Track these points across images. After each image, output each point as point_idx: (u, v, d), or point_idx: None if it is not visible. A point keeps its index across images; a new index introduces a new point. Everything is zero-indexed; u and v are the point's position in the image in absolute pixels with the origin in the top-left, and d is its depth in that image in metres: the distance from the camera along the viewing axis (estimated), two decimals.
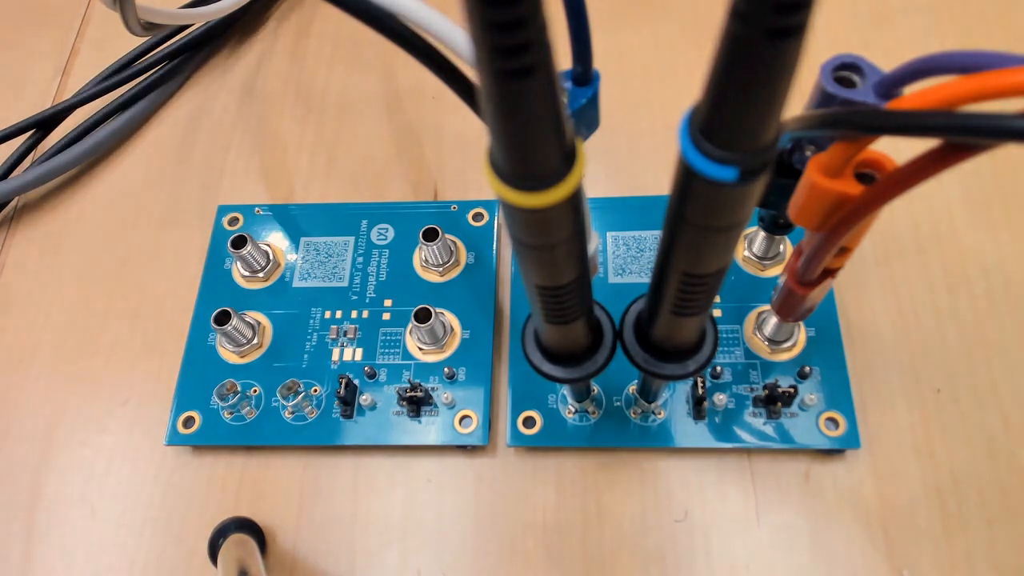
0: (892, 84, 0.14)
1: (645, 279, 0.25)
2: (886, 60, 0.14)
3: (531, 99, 0.09)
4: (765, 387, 0.22)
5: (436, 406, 0.24)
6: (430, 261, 0.26)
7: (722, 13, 0.08)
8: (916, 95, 0.11)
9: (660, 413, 0.23)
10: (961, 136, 0.10)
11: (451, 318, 0.25)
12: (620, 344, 0.17)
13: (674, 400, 0.23)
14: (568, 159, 0.10)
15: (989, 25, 0.29)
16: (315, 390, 0.24)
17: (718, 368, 0.23)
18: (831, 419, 0.22)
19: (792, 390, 0.22)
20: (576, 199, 0.11)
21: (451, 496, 0.23)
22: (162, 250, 0.29)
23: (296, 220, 0.28)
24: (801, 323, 0.23)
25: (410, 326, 0.25)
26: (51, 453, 0.25)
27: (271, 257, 0.27)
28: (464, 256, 0.26)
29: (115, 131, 0.31)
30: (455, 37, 0.16)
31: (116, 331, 0.27)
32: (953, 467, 0.22)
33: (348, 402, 0.24)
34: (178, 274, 0.28)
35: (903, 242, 0.25)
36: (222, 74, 0.33)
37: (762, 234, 0.24)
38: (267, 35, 0.34)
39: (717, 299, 0.24)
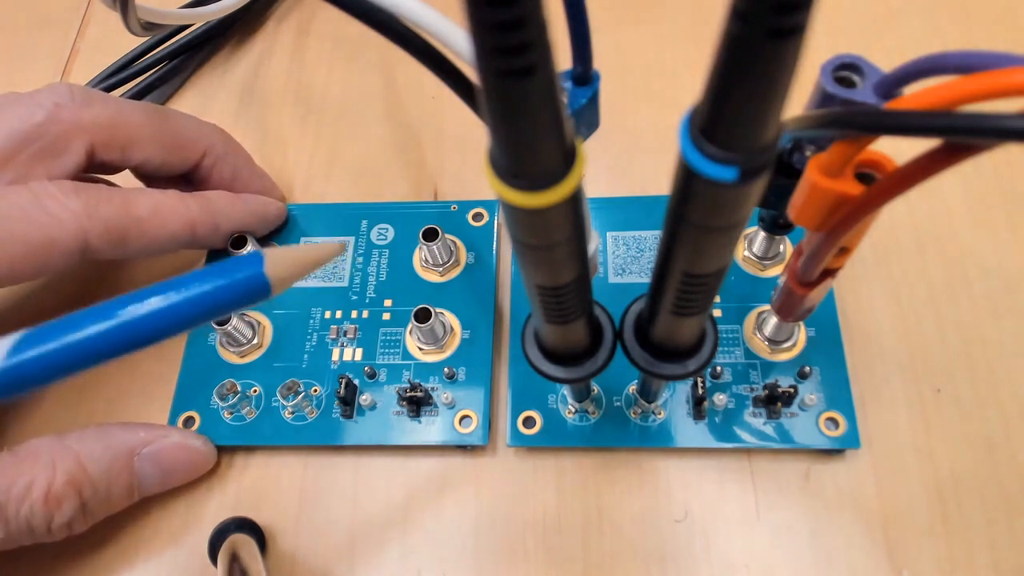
0: (892, 84, 0.14)
1: (645, 279, 0.25)
2: (886, 60, 0.14)
3: (531, 99, 0.09)
4: (765, 387, 0.22)
5: (436, 406, 0.24)
6: (430, 261, 0.26)
7: (722, 13, 0.08)
8: (916, 95, 0.11)
9: (660, 413, 0.23)
10: (961, 136, 0.10)
11: (451, 318, 0.25)
12: (620, 344, 0.17)
13: (674, 400, 0.23)
14: (568, 159, 0.10)
15: (989, 25, 0.29)
16: (315, 390, 0.24)
17: (718, 368, 0.23)
18: (831, 419, 0.22)
19: (792, 390, 0.22)
20: (576, 199, 0.11)
21: (451, 496, 0.23)
22: None
23: (296, 220, 0.28)
24: (801, 323, 0.23)
25: (410, 326, 0.25)
26: None
27: None
28: (464, 256, 0.26)
29: None
30: (455, 37, 0.16)
31: None
32: (953, 467, 0.22)
33: (348, 402, 0.24)
34: (178, 274, 0.28)
35: (903, 242, 0.25)
36: (222, 74, 0.33)
37: (762, 234, 0.24)
38: (267, 35, 0.34)
39: (717, 299, 0.24)
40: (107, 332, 0.13)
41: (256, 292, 0.14)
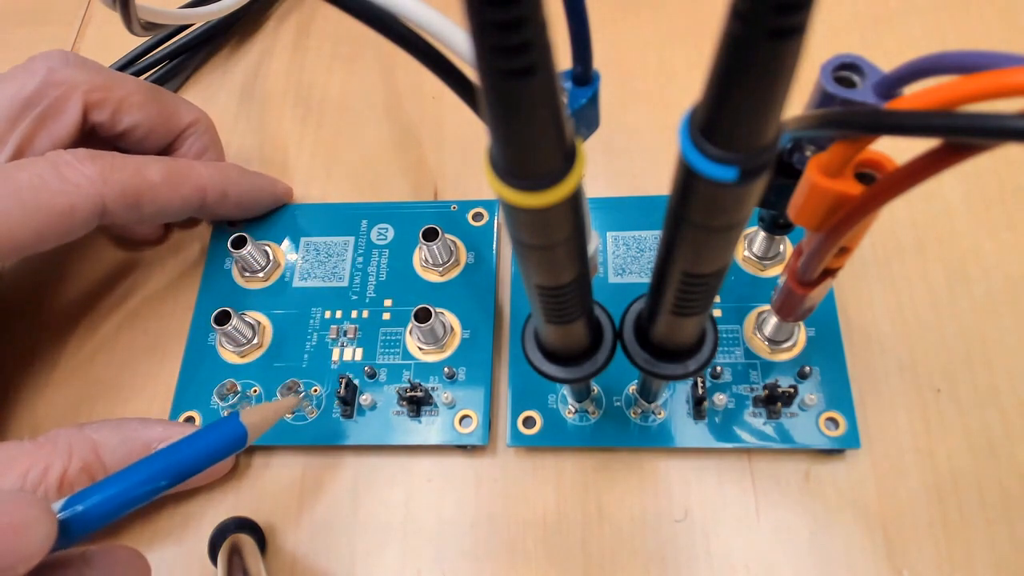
0: (892, 84, 0.14)
1: (645, 279, 0.25)
2: (886, 60, 0.14)
3: (531, 99, 0.09)
4: (765, 387, 0.22)
5: (436, 406, 0.24)
6: (430, 261, 0.26)
7: (722, 13, 0.08)
8: (916, 95, 0.11)
9: (660, 413, 0.23)
10: (961, 136, 0.10)
11: (451, 318, 0.25)
12: (620, 344, 0.17)
13: (674, 400, 0.23)
14: (568, 159, 0.10)
15: (989, 25, 0.29)
16: (315, 390, 0.24)
17: (718, 368, 0.23)
18: (831, 419, 0.22)
19: (792, 390, 0.22)
20: (576, 199, 0.11)
21: (451, 496, 0.23)
22: (162, 250, 0.29)
23: (296, 220, 0.28)
24: (801, 323, 0.23)
25: (410, 326, 0.25)
26: None
27: (271, 257, 0.27)
28: (464, 256, 0.26)
29: None
30: (455, 37, 0.16)
31: (116, 331, 0.27)
32: (953, 467, 0.22)
33: (348, 402, 0.24)
34: (178, 274, 0.28)
35: (903, 242, 0.25)
36: (222, 74, 0.33)
37: (762, 234, 0.24)
38: (267, 35, 0.34)
39: (717, 299, 0.24)
40: (133, 488, 0.18)
41: (237, 440, 0.19)
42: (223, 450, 0.19)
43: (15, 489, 0.20)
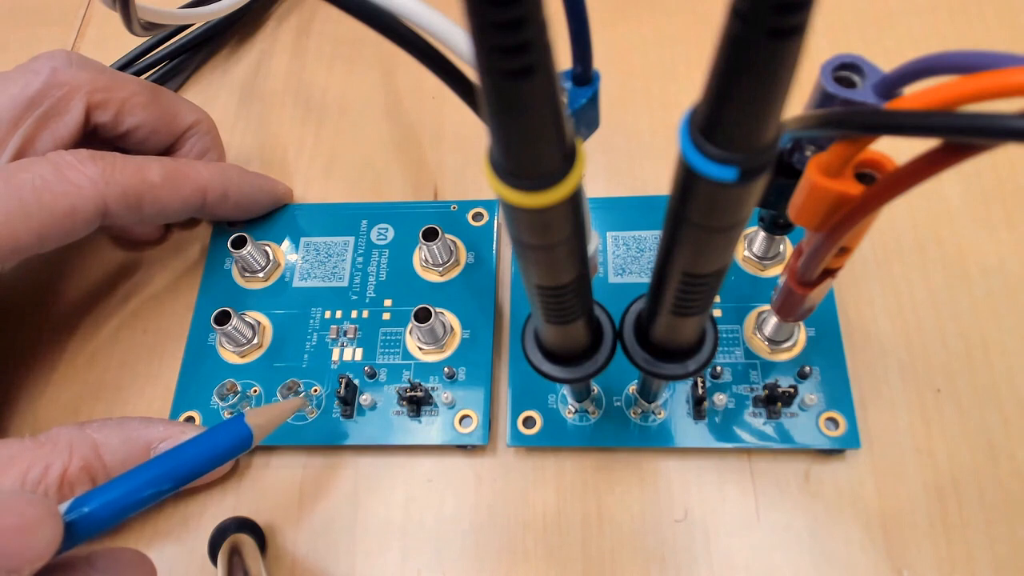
0: (892, 84, 0.14)
1: (645, 279, 0.25)
2: (886, 60, 0.14)
3: (531, 99, 0.09)
4: (765, 387, 0.22)
5: (436, 406, 0.24)
6: (430, 261, 0.26)
7: (722, 12, 0.08)
8: (916, 95, 0.11)
9: (660, 413, 0.23)
10: (961, 136, 0.10)
11: (451, 318, 0.25)
12: (620, 344, 0.17)
13: (674, 400, 0.23)
14: (568, 159, 0.10)
15: (989, 25, 0.29)
16: (315, 390, 0.24)
17: (718, 368, 0.23)
18: (831, 419, 0.22)
19: (792, 390, 0.22)
20: (576, 199, 0.11)
21: (451, 496, 0.23)
22: (162, 250, 0.29)
23: (296, 220, 0.28)
24: (801, 323, 0.23)
25: (410, 326, 0.25)
26: None
27: (271, 257, 0.27)
28: (464, 256, 0.26)
29: None
30: (455, 37, 0.16)
31: (116, 331, 0.27)
32: (953, 467, 0.22)
33: (348, 402, 0.24)
34: (178, 274, 0.28)
35: (903, 242, 0.25)
36: (222, 74, 0.33)
37: (762, 234, 0.24)
38: (267, 35, 0.34)
39: (717, 299, 0.24)
40: (138, 490, 0.18)
41: (243, 442, 0.19)
42: (229, 452, 0.19)
43: (17, 488, 0.20)
